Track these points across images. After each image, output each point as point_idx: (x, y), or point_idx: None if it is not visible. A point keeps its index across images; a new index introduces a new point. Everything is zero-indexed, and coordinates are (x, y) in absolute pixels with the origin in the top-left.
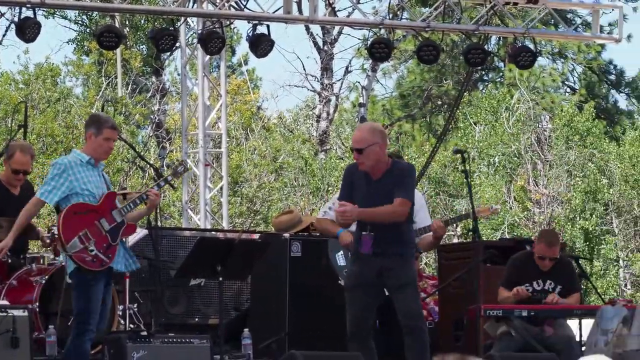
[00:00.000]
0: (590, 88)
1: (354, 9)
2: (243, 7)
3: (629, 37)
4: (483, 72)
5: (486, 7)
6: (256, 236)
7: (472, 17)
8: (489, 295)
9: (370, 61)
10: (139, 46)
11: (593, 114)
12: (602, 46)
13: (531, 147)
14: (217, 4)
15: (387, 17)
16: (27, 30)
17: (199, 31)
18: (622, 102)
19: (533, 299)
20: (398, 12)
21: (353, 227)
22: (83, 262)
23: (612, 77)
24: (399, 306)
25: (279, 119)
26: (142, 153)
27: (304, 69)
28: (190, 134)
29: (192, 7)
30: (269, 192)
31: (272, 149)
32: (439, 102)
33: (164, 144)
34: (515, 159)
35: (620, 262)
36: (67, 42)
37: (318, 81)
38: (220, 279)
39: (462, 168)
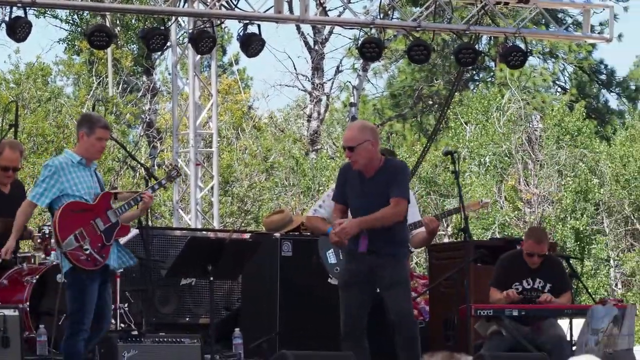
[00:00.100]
0: (581, 88)
1: (344, 9)
2: (234, 6)
3: (619, 36)
4: (474, 72)
5: (477, 6)
6: (247, 236)
7: (463, 17)
8: (480, 295)
9: (361, 61)
10: (130, 46)
11: (584, 113)
12: (593, 46)
13: (522, 146)
14: (208, 4)
15: (378, 17)
16: (18, 30)
17: (190, 31)
18: (613, 101)
19: (524, 297)
20: (389, 12)
21: None
22: (77, 261)
23: (603, 77)
24: (389, 305)
25: (269, 118)
26: (133, 153)
27: (295, 69)
28: (181, 133)
29: (183, 6)
30: (259, 191)
31: (263, 149)
32: (430, 102)
33: (155, 144)
34: (506, 158)
35: (611, 261)
36: (57, 41)
37: (309, 81)
38: (211, 278)
39: (453, 169)
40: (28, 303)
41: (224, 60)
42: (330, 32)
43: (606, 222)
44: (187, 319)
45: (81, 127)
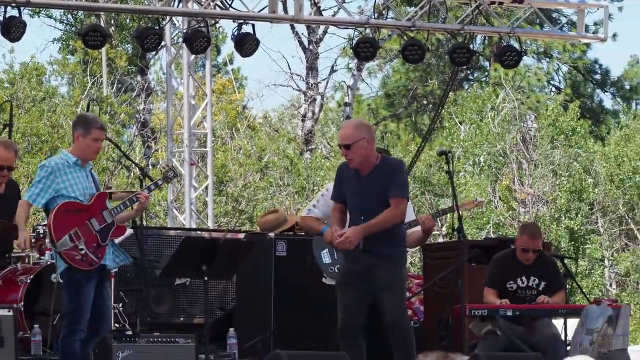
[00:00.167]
0: (575, 87)
1: (339, 9)
2: (228, 6)
3: (614, 36)
4: (468, 72)
5: (471, 6)
6: (241, 235)
7: (458, 17)
8: (474, 295)
9: (356, 60)
10: (124, 45)
11: (578, 113)
12: (588, 45)
13: (516, 146)
14: (202, 3)
15: (373, 17)
16: (13, 30)
17: (184, 30)
18: (608, 101)
19: (518, 296)
20: (383, 12)
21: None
22: (72, 261)
23: (598, 77)
24: (385, 306)
25: (264, 118)
26: (127, 152)
27: (289, 68)
28: (175, 133)
29: (178, 6)
30: (254, 191)
31: (258, 149)
32: (424, 102)
33: (149, 143)
34: (501, 158)
35: (606, 261)
36: (52, 41)
37: (303, 80)
38: (206, 278)
39: (447, 169)
40: (22, 303)
41: (219, 60)
42: (325, 32)
43: (600, 222)
44: (182, 318)
45: (77, 128)
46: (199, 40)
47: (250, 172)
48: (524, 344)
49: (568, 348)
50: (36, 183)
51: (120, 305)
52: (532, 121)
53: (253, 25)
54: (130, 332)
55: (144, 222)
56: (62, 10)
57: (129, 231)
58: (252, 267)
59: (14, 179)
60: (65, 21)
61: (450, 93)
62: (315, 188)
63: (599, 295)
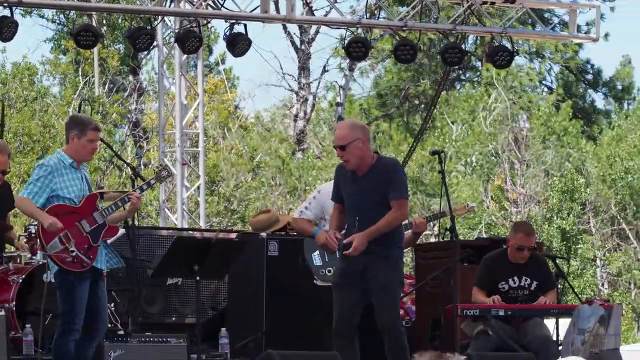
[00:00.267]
0: (567, 87)
1: (331, 8)
2: (220, 6)
3: (606, 36)
4: (460, 72)
5: (463, 6)
6: (233, 235)
7: (450, 17)
8: (466, 295)
9: (348, 60)
10: (116, 45)
11: (570, 113)
12: (580, 45)
13: (508, 146)
14: (195, 3)
15: (365, 17)
16: (4, 29)
17: (176, 30)
18: (599, 101)
19: (510, 296)
20: (375, 12)
21: (328, 227)
22: (63, 263)
23: (590, 77)
24: (377, 308)
25: (256, 118)
26: (119, 152)
27: (282, 68)
28: (167, 133)
29: (170, 6)
30: (246, 191)
31: (250, 148)
32: (416, 102)
33: (141, 143)
34: (493, 158)
35: (597, 261)
36: (44, 41)
37: (295, 80)
38: (198, 278)
39: (439, 168)
40: (14, 302)
41: (211, 59)
42: (317, 32)
43: (592, 221)
44: (174, 318)
45: (72, 129)
46: (191, 40)
47: (242, 172)
48: (516, 344)
49: (560, 348)
50: (34, 181)
51: (112, 305)
52: (524, 121)
53: (245, 25)
54: (122, 332)
55: (136, 222)
56: (54, 10)
57: (122, 231)
58: (244, 267)
59: (6, 179)
60: (57, 21)
61: (442, 93)
62: (307, 188)
63: (591, 295)
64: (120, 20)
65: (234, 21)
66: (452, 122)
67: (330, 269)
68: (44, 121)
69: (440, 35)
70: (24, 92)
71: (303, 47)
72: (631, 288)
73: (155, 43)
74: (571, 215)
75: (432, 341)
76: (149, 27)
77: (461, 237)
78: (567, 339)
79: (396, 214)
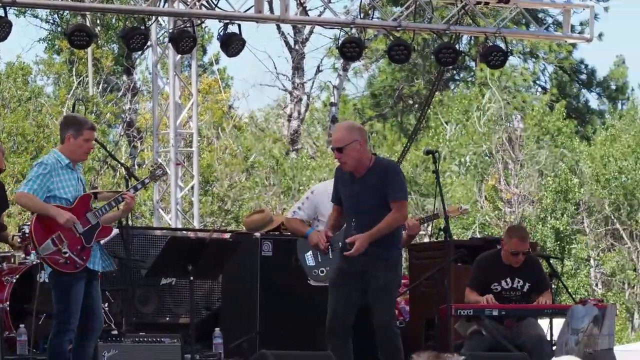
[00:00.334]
0: (561, 87)
1: (325, 9)
2: (214, 6)
3: (600, 36)
4: (454, 72)
5: (457, 6)
6: (227, 235)
7: (444, 17)
8: (460, 295)
9: (342, 60)
10: (110, 45)
11: (564, 113)
12: (574, 46)
13: (502, 146)
14: (188, 3)
15: (359, 17)
16: None
17: (170, 30)
18: (593, 101)
19: (503, 297)
20: (369, 12)
21: (321, 227)
22: (56, 265)
23: (583, 77)
24: (376, 308)
25: (250, 118)
26: (113, 152)
27: (275, 68)
28: (161, 133)
29: (163, 6)
30: (240, 191)
31: (243, 148)
32: (410, 102)
33: (135, 143)
34: (487, 158)
35: (591, 261)
36: (38, 40)
37: (289, 80)
38: (191, 278)
39: (433, 168)
40: (8, 302)
41: (205, 59)
42: (311, 32)
43: (586, 221)
44: (167, 318)
45: (68, 129)
46: (184, 40)
47: (236, 172)
48: (510, 344)
49: (554, 348)
50: (34, 179)
51: (106, 305)
52: (518, 121)
53: (239, 25)
54: (115, 332)
55: (130, 222)
56: (48, 10)
57: (115, 231)
58: (238, 267)
59: None
60: (51, 21)
61: (436, 93)
62: (301, 188)
63: (585, 295)
64: (114, 20)
65: (227, 21)
66: (446, 122)
67: (324, 269)
68: (38, 121)
69: (434, 35)
70: (17, 92)
71: (297, 47)
72: (625, 288)
73: (149, 43)
74: (565, 215)
75: (426, 341)
76: (143, 27)
77: (455, 237)
78: (561, 339)
79: (396, 216)
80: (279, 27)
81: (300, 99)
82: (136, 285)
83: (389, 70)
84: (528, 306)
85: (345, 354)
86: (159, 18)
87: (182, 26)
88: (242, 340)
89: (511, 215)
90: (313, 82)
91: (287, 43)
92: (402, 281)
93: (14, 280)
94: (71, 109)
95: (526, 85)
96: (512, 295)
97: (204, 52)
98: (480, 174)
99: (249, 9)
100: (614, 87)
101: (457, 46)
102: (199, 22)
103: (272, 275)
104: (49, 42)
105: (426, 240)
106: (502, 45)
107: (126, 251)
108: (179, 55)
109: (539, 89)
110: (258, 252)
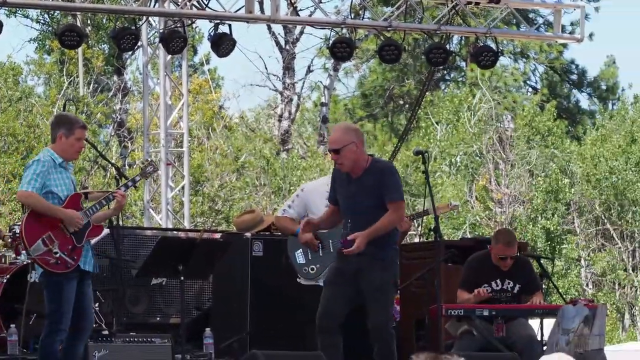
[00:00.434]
0: (552, 88)
1: (316, 9)
2: (205, 6)
3: (590, 36)
4: (445, 72)
5: (448, 6)
6: (218, 236)
7: (434, 17)
8: (450, 295)
9: (332, 60)
10: (101, 45)
11: (555, 113)
12: (564, 46)
13: (493, 146)
14: (179, 3)
15: (349, 17)
16: None
17: (161, 30)
18: (584, 101)
19: (494, 298)
20: (360, 12)
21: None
22: (47, 265)
23: (574, 77)
24: (372, 308)
25: (240, 118)
26: (103, 152)
27: (266, 68)
28: (151, 133)
29: (154, 6)
30: (230, 191)
31: (234, 149)
32: (401, 102)
33: (126, 143)
34: (477, 158)
35: (582, 261)
36: (28, 41)
37: (280, 80)
38: (182, 278)
39: (423, 169)
40: None
41: (195, 60)
42: (302, 32)
43: (577, 222)
44: (158, 318)
45: (59, 128)
46: (175, 41)
47: (227, 172)
48: (501, 344)
49: (544, 348)
50: (34, 177)
51: (97, 305)
52: (508, 121)
53: (229, 26)
54: (106, 332)
55: (120, 222)
56: (39, 10)
57: (106, 231)
58: (228, 267)
59: None
60: (41, 21)
61: (426, 93)
62: (291, 188)
63: (576, 295)
64: (104, 21)
65: (218, 21)
66: (437, 122)
67: (314, 266)
68: (29, 121)
69: (425, 35)
70: (8, 92)
71: (287, 47)
72: (615, 288)
73: (139, 43)
74: (556, 215)
75: (416, 341)
76: (133, 28)
77: (445, 237)
78: (552, 339)
79: (392, 216)
80: (269, 27)
81: (291, 99)
82: (127, 285)
83: (379, 71)
84: (519, 306)
85: (335, 353)
86: (150, 18)
87: (172, 26)
88: (233, 340)
89: (502, 215)
90: (304, 82)
91: (277, 43)
92: None
93: (5, 280)
94: (62, 109)
95: (517, 85)
96: (502, 297)
97: (195, 52)
98: (470, 174)
99: (240, 9)
100: (604, 87)
101: (447, 46)
102: (189, 22)
103: (262, 276)
104: (40, 42)
105: (416, 240)
106: (493, 46)
107: (117, 251)
108: (170, 56)
109: (530, 89)
110: (249, 252)
